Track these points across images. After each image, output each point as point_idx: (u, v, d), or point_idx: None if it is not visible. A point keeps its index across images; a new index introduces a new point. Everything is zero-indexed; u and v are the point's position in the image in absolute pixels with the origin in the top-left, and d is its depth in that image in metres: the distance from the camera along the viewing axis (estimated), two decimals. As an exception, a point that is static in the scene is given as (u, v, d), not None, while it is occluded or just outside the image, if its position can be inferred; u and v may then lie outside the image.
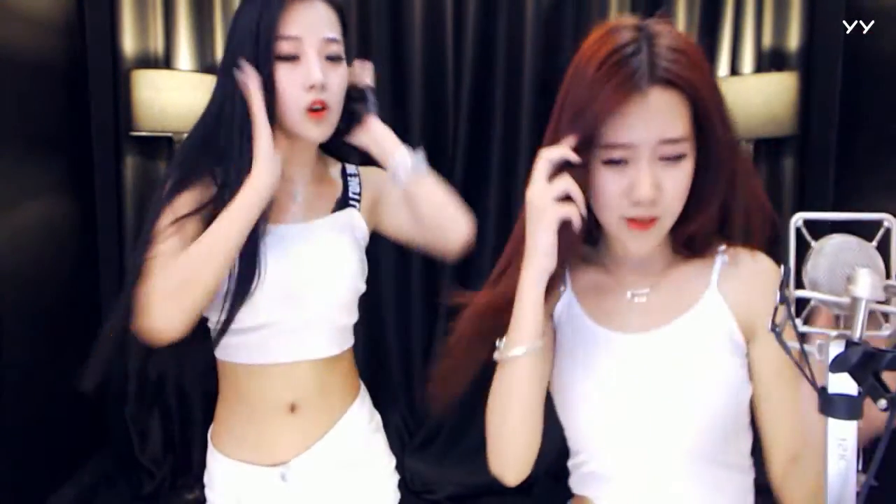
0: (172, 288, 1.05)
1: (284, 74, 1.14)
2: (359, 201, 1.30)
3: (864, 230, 0.68)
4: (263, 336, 1.19)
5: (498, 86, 2.81)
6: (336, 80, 1.17)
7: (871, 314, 0.62)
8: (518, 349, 0.89)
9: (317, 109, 1.15)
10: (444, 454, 2.86)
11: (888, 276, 0.64)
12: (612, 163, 0.85)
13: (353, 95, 1.24)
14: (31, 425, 2.37)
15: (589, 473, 0.97)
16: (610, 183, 0.86)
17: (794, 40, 2.76)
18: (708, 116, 0.86)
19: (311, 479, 1.25)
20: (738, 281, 0.92)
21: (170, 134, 2.64)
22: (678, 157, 0.85)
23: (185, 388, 2.84)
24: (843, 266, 0.63)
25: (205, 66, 2.80)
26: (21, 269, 2.32)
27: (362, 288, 1.27)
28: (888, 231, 0.65)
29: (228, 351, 1.22)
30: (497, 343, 0.93)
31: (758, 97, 2.59)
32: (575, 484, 1.02)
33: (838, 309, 0.64)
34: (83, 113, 2.75)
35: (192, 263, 1.06)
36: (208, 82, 2.65)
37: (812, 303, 0.66)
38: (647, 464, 0.92)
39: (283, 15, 1.13)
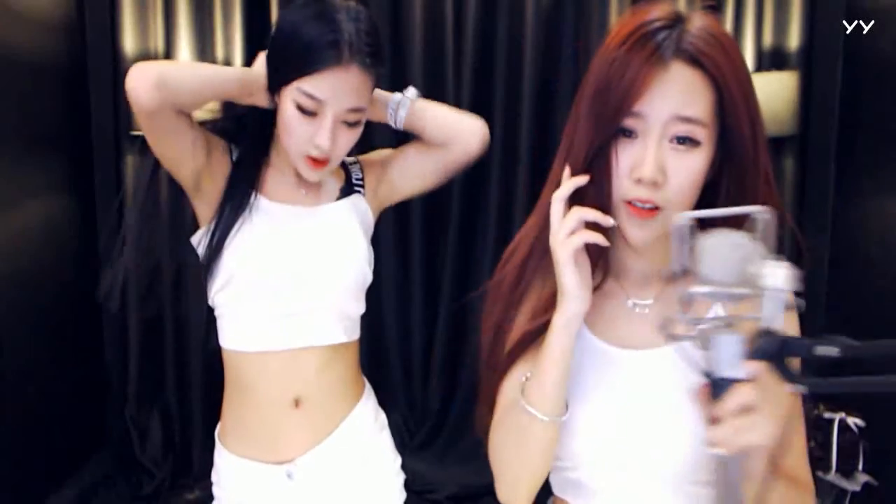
0: (155, 64, 1.15)
1: (297, 121, 1.14)
2: (363, 187, 1.31)
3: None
4: (270, 318, 1.20)
5: (498, 86, 2.81)
6: (345, 140, 1.17)
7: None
8: (543, 414, 0.85)
9: (317, 160, 1.16)
10: (444, 454, 2.86)
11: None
12: (622, 133, 0.83)
13: None
14: (31, 425, 2.37)
15: (573, 479, 0.95)
16: (618, 155, 0.83)
17: (794, 40, 2.76)
18: (733, 108, 0.82)
19: (317, 477, 1.25)
20: None
21: (170, 134, 2.64)
22: (691, 143, 0.81)
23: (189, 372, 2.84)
24: (739, 260, 0.66)
25: (205, 66, 2.79)
26: (21, 268, 2.32)
27: (370, 276, 1.27)
28: (766, 222, 0.68)
29: (234, 338, 1.23)
30: (521, 377, 0.88)
31: (758, 97, 2.59)
32: (555, 484, 0.99)
33: (730, 301, 0.67)
34: (83, 113, 2.75)
35: (174, 64, 1.19)
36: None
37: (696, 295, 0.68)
38: (633, 482, 0.90)
39: (315, 75, 1.10)
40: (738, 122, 0.83)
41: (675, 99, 0.80)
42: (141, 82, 1.10)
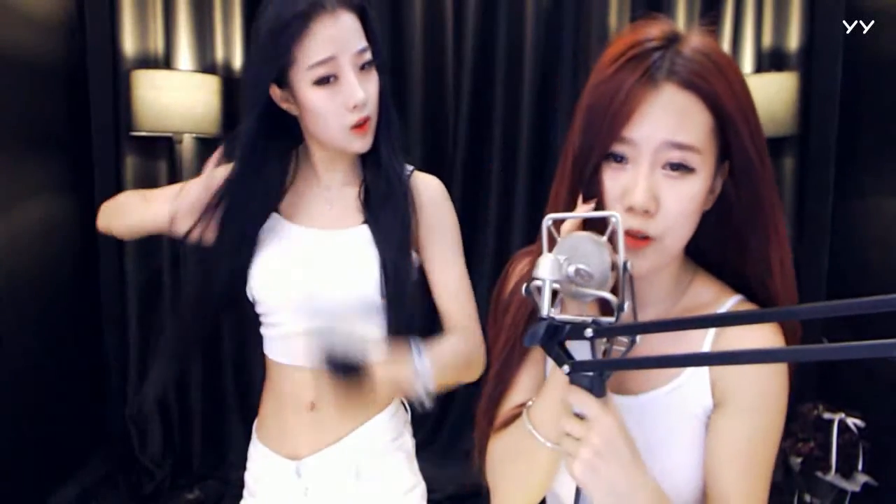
0: (109, 206, 1.36)
1: (324, 98, 1.12)
2: None
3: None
4: (287, 336, 1.23)
5: (498, 86, 2.81)
6: (372, 89, 1.15)
7: (605, 302, 0.70)
8: (546, 439, 0.81)
9: (360, 125, 1.14)
10: (444, 454, 2.86)
11: (614, 263, 0.71)
12: (613, 158, 0.79)
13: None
14: (32, 425, 2.37)
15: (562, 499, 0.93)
16: (608, 181, 0.79)
17: (794, 40, 2.76)
18: (736, 133, 0.78)
19: (322, 480, 1.26)
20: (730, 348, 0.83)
21: (170, 134, 2.64)
22: (685, 169, 0.77)
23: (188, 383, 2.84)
24: (579, 258, 0.70)
25: (205, 66, 2.80)
26: (21, 268, 2.32)
27: (377, 301, 1.23)
28: (615, 225, 0.71)
29: (269, 345, 1.27)
30: (529, 401, 0.85)
31: (758, 97, 2.55)
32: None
33: (571, 296, 0.70)
34: (83, 113, 2.75)
35: (116, 205, 1.34)
36: (209, 82, 2.66)
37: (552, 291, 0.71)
38: None
39: (310, 40, 1.09)
40: (744, 146, 0.79)
41: (666, 124, 0.76)
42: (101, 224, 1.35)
